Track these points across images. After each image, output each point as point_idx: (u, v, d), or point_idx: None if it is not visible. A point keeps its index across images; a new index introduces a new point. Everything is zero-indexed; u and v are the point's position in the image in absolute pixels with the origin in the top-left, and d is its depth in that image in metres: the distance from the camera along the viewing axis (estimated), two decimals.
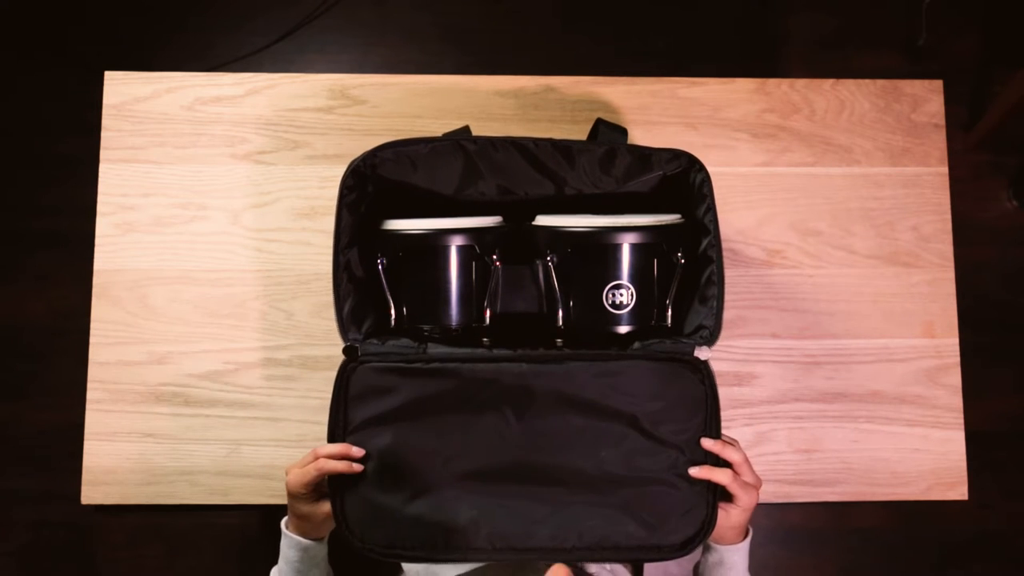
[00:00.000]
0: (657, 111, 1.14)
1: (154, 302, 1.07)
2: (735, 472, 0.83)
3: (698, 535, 0.81)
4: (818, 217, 1.12)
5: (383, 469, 0.82)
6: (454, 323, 0.90)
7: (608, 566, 0.91)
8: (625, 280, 0.87)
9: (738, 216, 1.11)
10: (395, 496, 0.81)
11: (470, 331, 0.91)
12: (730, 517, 0.84)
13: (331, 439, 0.83)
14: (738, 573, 0.89)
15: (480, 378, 0.83)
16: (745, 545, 0.88)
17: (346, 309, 0.87)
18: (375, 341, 0.87)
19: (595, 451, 0.82)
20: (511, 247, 0.92)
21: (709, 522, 0.82)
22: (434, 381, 0.83)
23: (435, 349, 0.85)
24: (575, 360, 0.84)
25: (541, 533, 0.80)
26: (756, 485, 0.85)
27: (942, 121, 1.14)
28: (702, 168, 0.87)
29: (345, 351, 0.86)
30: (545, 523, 0.80)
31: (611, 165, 0.90)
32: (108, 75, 1.12)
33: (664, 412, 0.83)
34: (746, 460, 0.84)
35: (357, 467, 0.81)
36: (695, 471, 0.82)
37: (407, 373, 0.84)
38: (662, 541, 0.81)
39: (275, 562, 0.90)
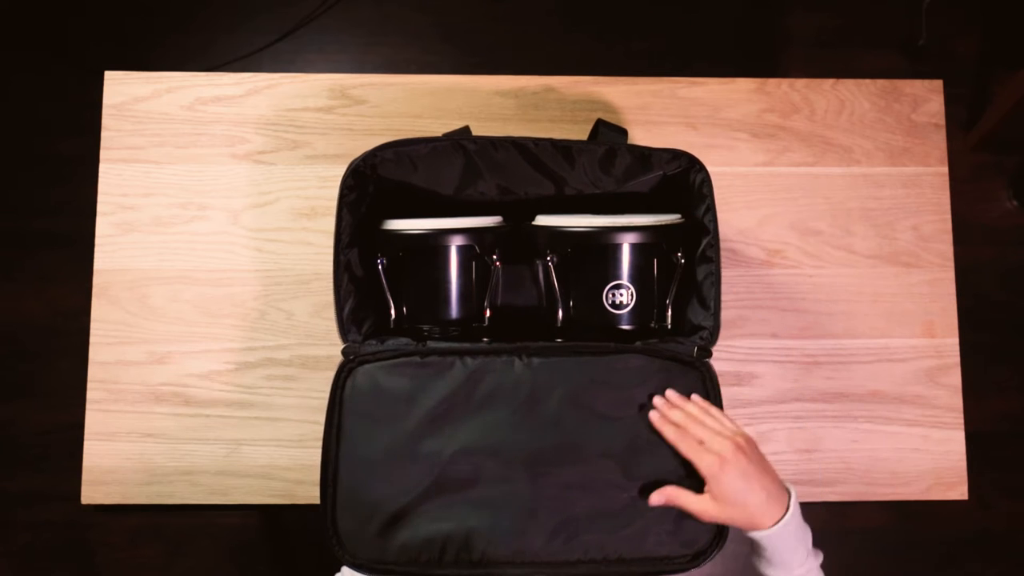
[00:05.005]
0: (657, 111, 1.14)
1: (154, 302, 1.07)
2: (681, 432, 0.77)
3: (711, 546, 0.78)
4: (818, 217, 1.12)
5: (379, 475, 0.81)
6: (454, 323, 0.90)
7: None
8: (625, 280, 0.87)
9: (738, 216, 1.11)
10: (391, 505, 0.80)
11: (470, 331, 0.91)
12: (711, 495, 0.74)
13: (326, 443, 0.82)
14: (783, 559, 0.76)
15: (479, 372, 0.83)
16: (782, 525, 0.74)
17: (347, 309, 0.87)
18: (374, 341, 0.87)
19: (596, 451, 0.81)
20: (511, 247, 0.92)
21: (723, 529, 0.78)
22: (432, 376, 0.83)
23: (434, 344, 0.85)
24: (575, 354, 0.84)
25: (543, 545, 0.78)
26: (713, 444, 0.75)
27: (942, 121, 1.14)
28: (702, 168, 0.87)
29: (343, 352, 0.86)
30: (547, 533, 0.79)
31: (611, 165, 0.90)
32: (108, 75, 1.12)
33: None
34: (695, 418, 0.78)
35: None
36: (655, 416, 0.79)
37: (405, 368, 0.83)
38: (671, 552, 0.79)
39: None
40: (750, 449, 0.76)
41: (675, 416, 0.79)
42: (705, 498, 0.75)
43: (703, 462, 0.76)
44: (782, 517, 0.74)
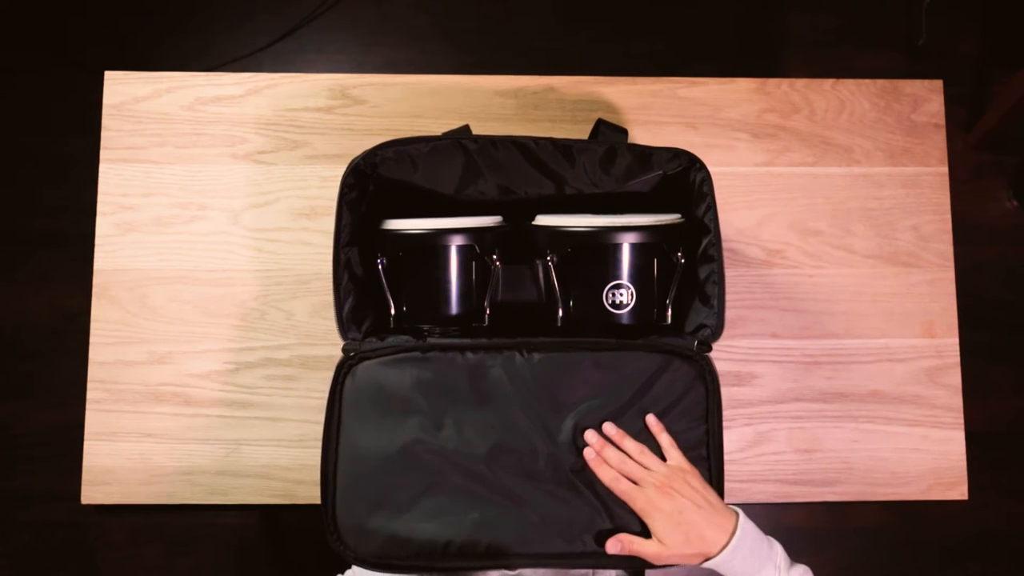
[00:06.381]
0: (657, 111, 1.14)
1: (154, 302, 1.07)
2: (615, 473, 0.78)
3: None
4: (818, 217, 1.12)
5: (379, 471, 0.81)
6: (454, 323, 0.90)
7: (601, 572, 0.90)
8: (625, 280, 0.87)
9: (738, 216, 1.11)
10: (392, 500, 0.80)
11: (470, 330, 0.91)
12: (654, 536, 0.76)
13: (326, 439, 0.82)
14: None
15: (480, 367, 0.83)
16: (730, 549, 0.75)
17: (346, 308, 0.87)
18: (374, 339, 0.87)
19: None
20: (511, 247, 0.92)
21: None
22: (433, 371, 0.83)
23: (435, 340, 0.85)
24: (576, 349, 0.84)
25: (547, 537, 0.79)
26: (644, 486, 0.77)
27: (942, 121, 1.14)
28: (702, 167, 0.87)
29: (344, 349, 0.86)
30: (549, 525, 0.80)
31: (611, 164, 0.90)
32: (108, 75, 1.12)
33: (663, 408, 0.83)
34: (628, 458, 0.79)
35: None
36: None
37: (404, 364, 0.84)
38: None
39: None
40: (682, 484, 0.77)
41: (610, 456, 0.80)
42: (654, 541, 0.76)
43: (636, 505, 0.78)
44: (728, 541, 0.75)
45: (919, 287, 1.11)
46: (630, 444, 0.81)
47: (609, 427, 0.81)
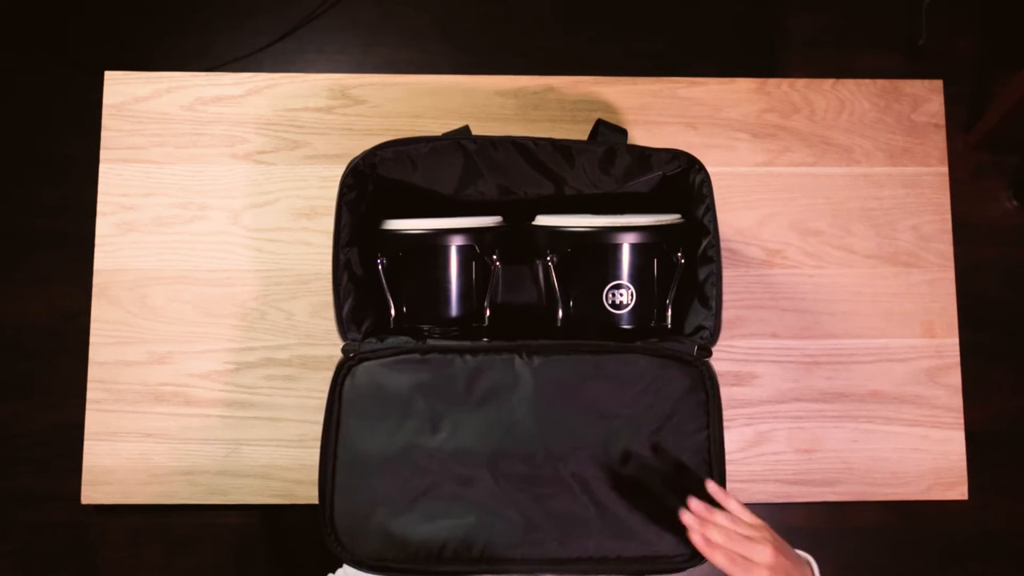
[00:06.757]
0: (657, 111, 1.13)
1: (154, 302, 1.07)
2: (725, 535, 0.73)
3: (696, 553, 0.77)
4: (818, 217, 1.12)
5: (378, 472, 0.81)
6: (454, 323, 0.90)
7: None
8: (625, 280, 0.87)
9: (738, 216, 1.11)
10: (389, 502, 0.80)
11: (470, 331, 0.91)
12: None
13: (324, 439, 0.82)
14: None
15: (479, 369, 0.83)
16: None
17: (346, 308, 0.87)
18: (374, 340, 0.87)
19: (596, 450, 0.81)
20: (511, 247, 0.92)
21: None
22: (432, 373, 0.83)
23: (435, 343, 0.85)
24: (575, 353, 0.84)
25: (543, 543, 0.79)
26: (755, 556, 0.72)
27: (942, 121, 1.14)
28: (702, 168, 0.87)
29: (343, 350, 0.86)
30: (546, 531, 0.79)
31: (611, 165, 0.90)
32: (108, 75, 1.12)
33: (663, 413, 0.83)
34: (729, 532, 0.74)
35: None
36: (687, 519, 0.74)
37: (404, 365, 0.84)
38: (669, 551, 0.79)
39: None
40: (776, 540, 0.74)
41: (714, 536, 0.74)
42: None
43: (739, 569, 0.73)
44: None
45: (919, 287, 1.11)
46: (721, 518, 0.75)
47: (697, 506, 0.75)
